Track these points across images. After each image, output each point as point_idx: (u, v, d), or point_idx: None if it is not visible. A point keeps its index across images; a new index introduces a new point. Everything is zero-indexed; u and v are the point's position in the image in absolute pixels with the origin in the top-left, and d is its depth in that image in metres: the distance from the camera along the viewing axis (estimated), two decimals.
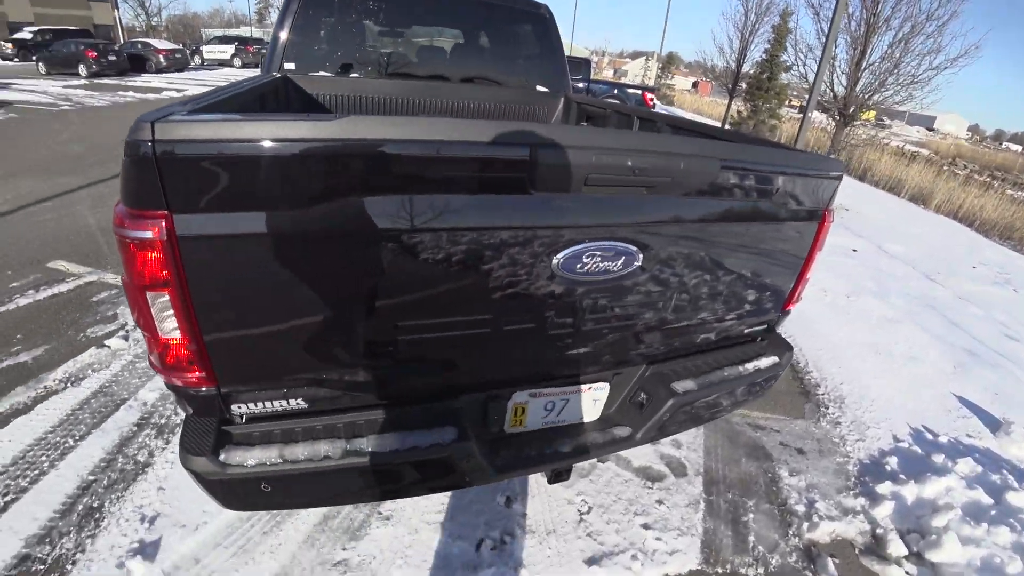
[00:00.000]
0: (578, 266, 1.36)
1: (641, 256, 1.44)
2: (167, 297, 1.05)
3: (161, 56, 24.46)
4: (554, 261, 1.33)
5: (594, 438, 1.82)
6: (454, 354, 1.43)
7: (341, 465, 1.33)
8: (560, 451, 1.74)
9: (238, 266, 1.08)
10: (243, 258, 1.08)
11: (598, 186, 1.27)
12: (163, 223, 0.99)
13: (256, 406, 1.31)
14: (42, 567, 2.03)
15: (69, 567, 2.03)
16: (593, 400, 1.83)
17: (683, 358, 1.96)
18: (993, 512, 2.57)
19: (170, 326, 1.10)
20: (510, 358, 1.53)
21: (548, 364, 1.63)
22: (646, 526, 2.41)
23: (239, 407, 1.30)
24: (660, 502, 2.55)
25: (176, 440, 2.52)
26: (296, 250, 1.10)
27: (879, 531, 2.50)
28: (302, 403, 1.34)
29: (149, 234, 0.98)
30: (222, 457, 1.29)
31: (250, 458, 1.30)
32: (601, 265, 1.38)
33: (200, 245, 1.03)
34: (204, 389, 1.23)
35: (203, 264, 1.06)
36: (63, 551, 2.08)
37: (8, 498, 2.26)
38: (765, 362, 2.12)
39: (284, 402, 1.32)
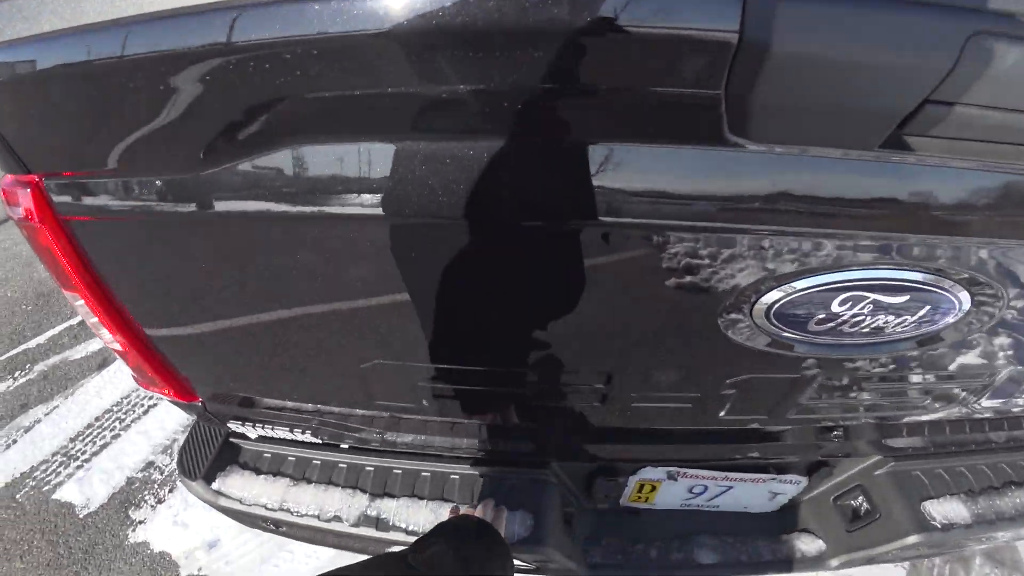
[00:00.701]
0: (817, 318, 0.64)
1: (967, 302, 0.66)
2: (81, 301, 0.68)
3: None
4: (758, 305, 0.64)
5: (759, 547, 1.16)
6: (543, 412, 0.88)
7: (352, 534, 0.92)
8: (696, 560, 1.12)
9: (168, 251, 0.65)
10: (169, 240, 0.64)
11: (938, 138, 0.52)
12: (30, 193, 0.59)
13: (257, 428, 0.95)
14: (159, 476, 2.12)
15: (178, 483, 2.09)
16: (771, 493, 1.14)
17: (952, 457, 1.13)
18: None
19: (106, 335, 0.74)
20: (641, 431, 0.92)
21: (706, 445, 0.98)
22: None
23: (238, 425, 0.95)
24: None
25: None
26: (244, 231, 0.62)
27: None
28: (310, 436, 0.93)
29: (20, 210, 0.60)
30: (216, 485, 0.97)
31: (249, 492, 0.96)
32: (871, 320, 0.64)
33: (95, 226, 0.62)
34: (186, 404, 0.89)
35: (110, 252, 0.65)
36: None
37: (151, 401, 2.43)
38: None
39: (288, 431, 0.93)
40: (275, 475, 0.98)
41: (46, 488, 2.10)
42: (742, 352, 0.69)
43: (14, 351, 2.60)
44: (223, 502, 0.96)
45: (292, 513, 0.94)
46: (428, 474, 0.98)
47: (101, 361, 2.58)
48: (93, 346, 2.65)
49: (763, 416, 0.83)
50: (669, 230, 0.57)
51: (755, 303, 0.63)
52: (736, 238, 0.58)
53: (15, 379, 2.47)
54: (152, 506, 2.02)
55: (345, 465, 0.99)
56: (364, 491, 0.96)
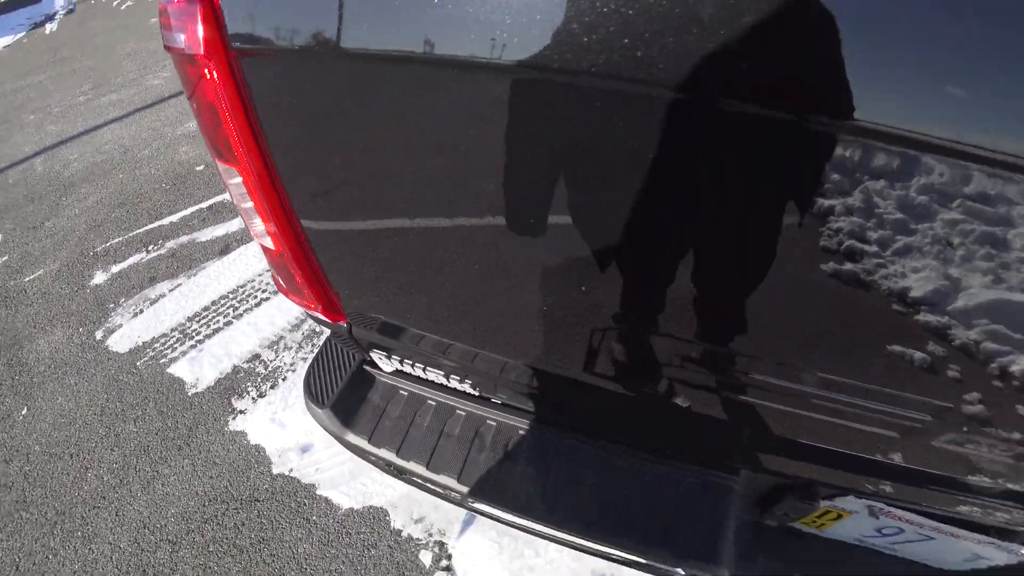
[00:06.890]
0: None
1: None
2: (239, 178, 0.55)
3: None
4: None
5: None
6: (775, 415, 0.69)
7: (491, 512, 0.80)
8: None
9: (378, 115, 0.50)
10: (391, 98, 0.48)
11: None
12: (199, 12, 0.44)
13: (395, 361, 0.83)
14: (263, 371, 2.19)
15: (280, 381, 2.15)
16: (975, 555, 0.91)
17: None
18: None
19: (259, 226, 0.61)
20: (870, 460, 0.71)
21: (935, 491, 0.76)
22: None
23: (381, 357, 0.84)
24: None
25: None
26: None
27: None
28: (461, 384, 0.81)
29: (181, 37, 0.45)
30: (345, 420, 0.87)
31: (382, 434, 0.87)
32: None
33: (272, 69, 0.47)
34: (331, 323, 0.77)
35: (284, 110, 0.50)
36: (282, 363, 2.21)
37: (264, 295, 2.49)
38: None
39: (441, 376, 0.81)
40: (412, 420, 0.88)
41: (163, 361, 2.23)
42: None
43: (151, 225, 2.76)
44: (350, 438, 0.87)
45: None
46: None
47: (223, 247, 2.68)
48: (218, 231, 2.75)
49: None
50: None
51: None
52: None
53: (148, 252, 2.62)
54: (253, 399, 2.08)
55: (495, 424, 0.86)
56: (516, 459, 0.83)
